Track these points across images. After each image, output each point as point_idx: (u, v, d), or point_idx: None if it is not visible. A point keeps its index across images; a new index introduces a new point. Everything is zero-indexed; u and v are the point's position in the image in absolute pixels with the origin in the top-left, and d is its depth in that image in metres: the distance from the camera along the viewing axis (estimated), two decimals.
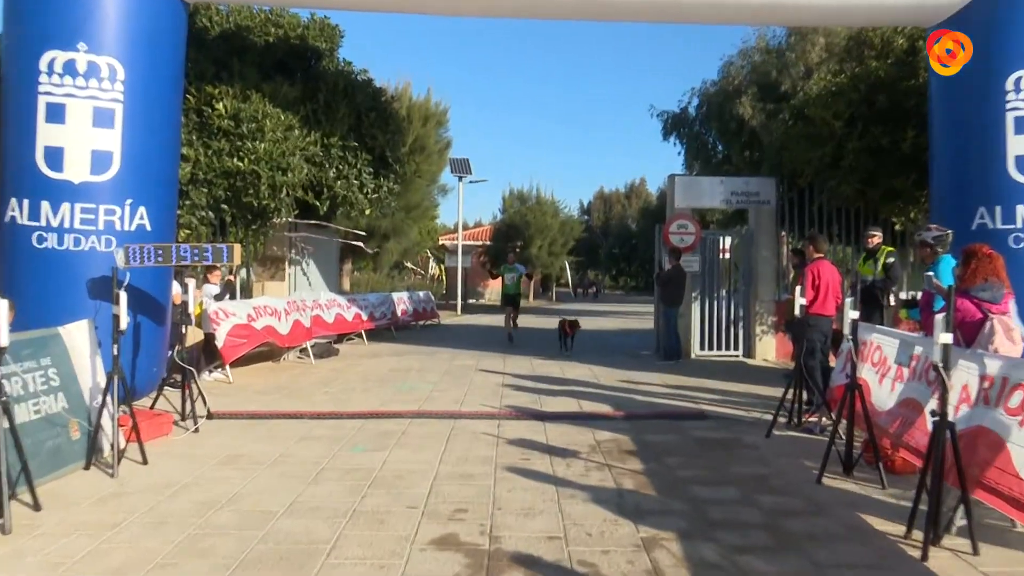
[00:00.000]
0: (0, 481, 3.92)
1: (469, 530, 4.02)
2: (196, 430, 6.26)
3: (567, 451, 5.74)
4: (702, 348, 12.22)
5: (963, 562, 3.68)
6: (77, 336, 5.21)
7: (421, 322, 19.04)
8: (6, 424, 4.10)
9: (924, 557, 3.70)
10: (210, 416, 6.72)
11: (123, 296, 5.02)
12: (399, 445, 5.89)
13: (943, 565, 3.64)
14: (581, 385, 9.13)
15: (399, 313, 16.91)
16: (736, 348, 12.22)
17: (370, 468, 5.21)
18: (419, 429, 6.50)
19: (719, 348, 12.21)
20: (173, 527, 4.05)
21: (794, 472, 5.23)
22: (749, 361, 11.79)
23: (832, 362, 7.06)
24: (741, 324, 12.26)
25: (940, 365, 3.83)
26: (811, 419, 6.56)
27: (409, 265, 38.52)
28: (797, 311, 6.48)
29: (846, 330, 5.34)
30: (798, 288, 6.51)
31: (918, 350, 5.01)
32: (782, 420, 6.54)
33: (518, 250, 38.39)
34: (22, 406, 4.65)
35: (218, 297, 9.57)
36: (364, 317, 14.46)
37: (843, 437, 5.45)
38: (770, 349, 12.07)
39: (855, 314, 5.27)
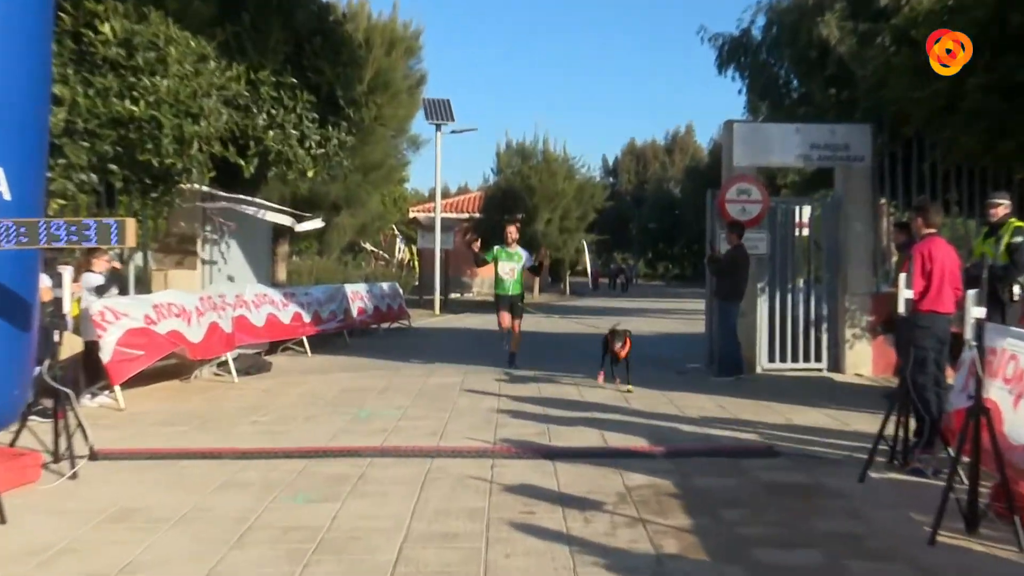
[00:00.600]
0: None
1: None
2: (74, 475, 6.24)
3: (586, 501, 5.72)
4: (771, 359, 12.24)
5: None
6: None
7: (385, 325, 19.10)
8: None
9: None
10: (93, 456, 6.70)
11: None
12: (355, 494, 5.86)
13: None
14: (605, 410, 9.12)
15: (354, 313, 16.93)
16: (818, 359, 12.25)
17: (315, 526, 5.19)
18: (383, 472, 6.48)
19: (794, 359, 12.24)
20: None
21: (898, 529, 5.22)
22: (836, 377, 11.81)
23: (950, 378, 7.05)
24: (825, 326, 12.28)
25: None
26: (922, 456, 6.55)
27: (369, 247, 38.51)
28: (902, 308, 6.46)
29: (968, 334, 5.32)
30: (903, 276, 6.50)
31: None
32: (881, 458, 6.52)
33: (518, 225, 38.12)
34: None
35: (102, 290, 9.54)
36: (306, 319, 14.49)
37: (965, 481, 5.41)
38: (865, 360, 12.09)
39: (980, 312, 5.25)
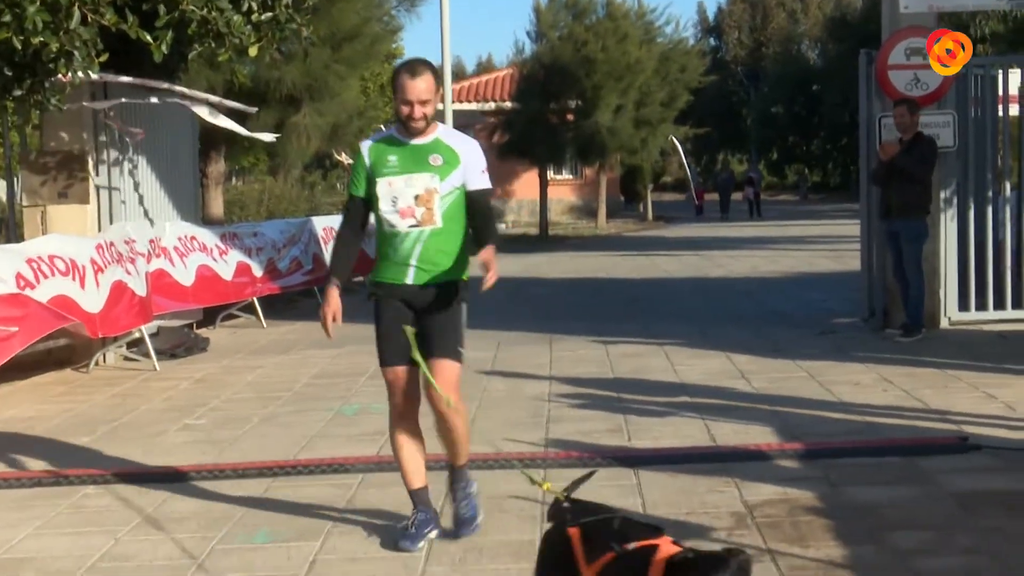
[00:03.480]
0: None
1: None
2: None
3: (687, 527, 5.76)
4: (963, 307, 12.16)
5: None
6: None
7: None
8: None
9: None
10: None
11: None
12: (341, 528, 5.96)
13: None
14: (713, 393, 9.14)
15: (326, 260, 17.01)
16: None
17: None
18: (380, 494, 6.56)
19: (998, 306, 12.14)
20: None
21: None
22: None
23: None
24: None
25: None
26: None
27: (344, 159, 38.50)
28: None
29: None
30: None
31: None
32: None
33: (570, 116, 37.95)
34: None
35: None
36: (257, 271, 14.60)
37: None
38: None
39: None
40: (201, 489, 6.81)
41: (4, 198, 13.17)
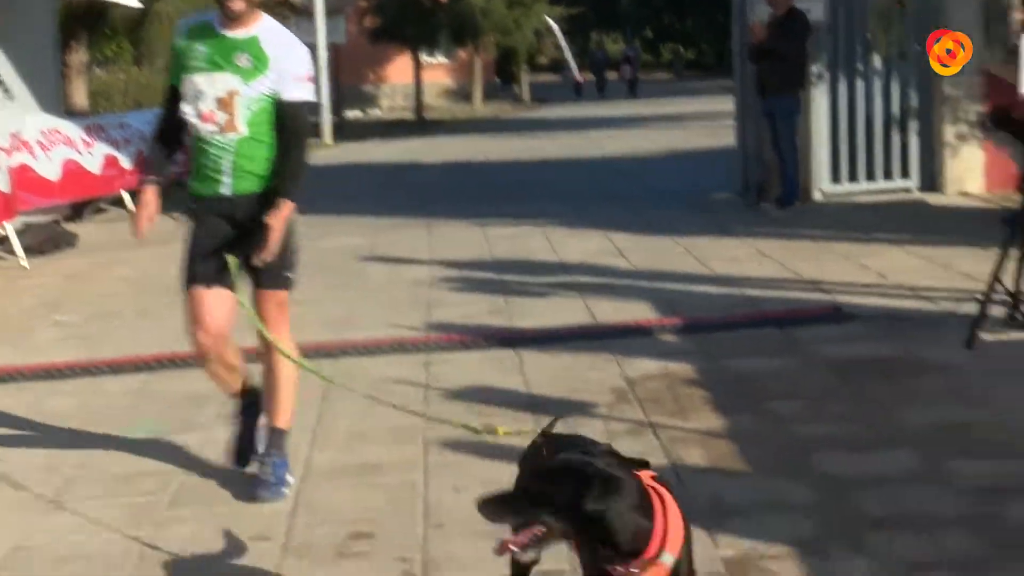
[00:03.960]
0: None
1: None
2: None
3: (569, 403, 5.84)
4: (835, 179, 12.37)
5: None
6: None
7: None
8: None
9: None
10: None
11: None
12: (225, 418, 5.91)
13: None
14: (592, 271, 9.23)
15: None
16: (904, 175, 12.40)
17: (168, 469, 5.29)
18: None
19: (869, 177, 12.37)
20: None
21: None
22: (931, 198, 12.03)
23: None
24: (914, 126, 12.37)
25: None
26: None
27: None
28: None
29: None
30: None
31: None
32: (997, 313, 6.68)
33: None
34: None
35: None
36: (126, 163, 14.29)
37: None
38: (973, 172, 12.27)
39: None
40: (77, 386, 6.73)
41: None
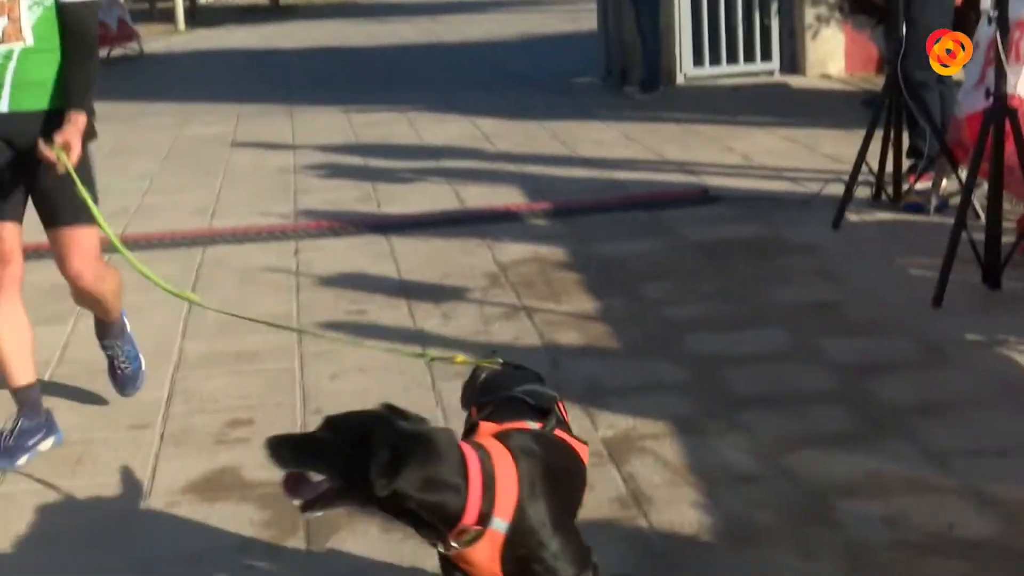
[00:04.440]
0: None
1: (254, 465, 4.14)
2: None
3: (442, 289, 5.87)
4: (697, 62, 12.44)
5: None
6: None
7: (101, 52, 18.25)
8: None
9: None
10: None
11: None
12: (82, 312, 5.83)
13: None
14: (459, 155, 9.21)
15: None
16: (766, 57, 12.52)
17: (36, 360, 5.16)
18: (128, 274, 6.36)
19: (731, 60, 12.46)
20: None
21: (890, 290, 5.55)
22: (793, 81, 12.19)
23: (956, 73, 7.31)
24: (774, 8, 12.47)
25: None
26: (920, 186, 6.86)
27: None
28: None
29: (985, 1, 5.49)
30: None
31: None
32: (863, 194, 6.85)
33: None
34: None
35: None
36: None
37: (981, 216, 5.78)
38: (834, 55, 12.44)
39: None
40: None
41: None
